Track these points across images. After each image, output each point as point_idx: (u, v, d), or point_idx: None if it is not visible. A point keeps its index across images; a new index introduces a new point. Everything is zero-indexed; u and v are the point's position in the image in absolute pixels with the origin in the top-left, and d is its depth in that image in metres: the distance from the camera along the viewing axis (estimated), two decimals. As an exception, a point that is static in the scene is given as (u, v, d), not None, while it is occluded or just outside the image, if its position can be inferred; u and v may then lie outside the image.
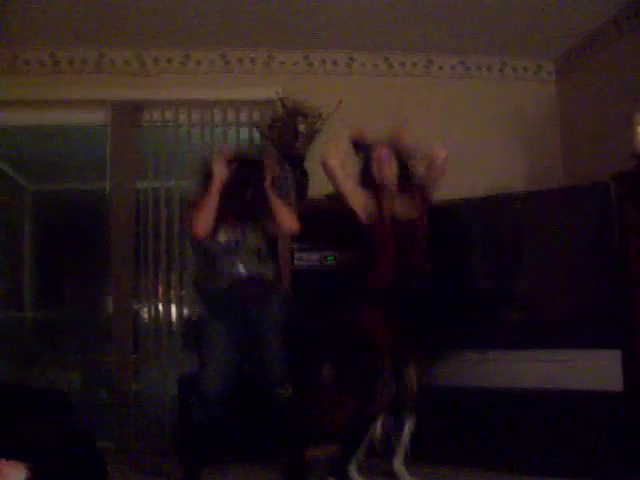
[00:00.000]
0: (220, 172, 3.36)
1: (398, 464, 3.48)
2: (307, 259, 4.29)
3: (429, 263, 3.50)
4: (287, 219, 3.48)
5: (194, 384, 3.46)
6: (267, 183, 3.46)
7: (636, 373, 3.40)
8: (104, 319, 4.66)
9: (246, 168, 3.47)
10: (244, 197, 3.44)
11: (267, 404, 3.51)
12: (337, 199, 4.18)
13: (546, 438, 3.51)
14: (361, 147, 3.59)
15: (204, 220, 3.32)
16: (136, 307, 4.66)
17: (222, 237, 3.38)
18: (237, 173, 3.41)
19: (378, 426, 3.43)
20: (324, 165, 3.51)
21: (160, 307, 4.62)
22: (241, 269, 3.36)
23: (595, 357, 3.46)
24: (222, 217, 3.36)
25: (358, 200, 3.53)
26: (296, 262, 4.25)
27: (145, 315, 4.67)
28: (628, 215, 3.52)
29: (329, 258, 4.31)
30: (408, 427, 3.47)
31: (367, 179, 3.57)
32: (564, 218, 3.73)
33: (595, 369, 3.44)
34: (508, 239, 3.86)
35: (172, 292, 4.63)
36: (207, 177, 3.42)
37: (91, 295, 4.78)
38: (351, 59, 4.94)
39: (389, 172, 3.52)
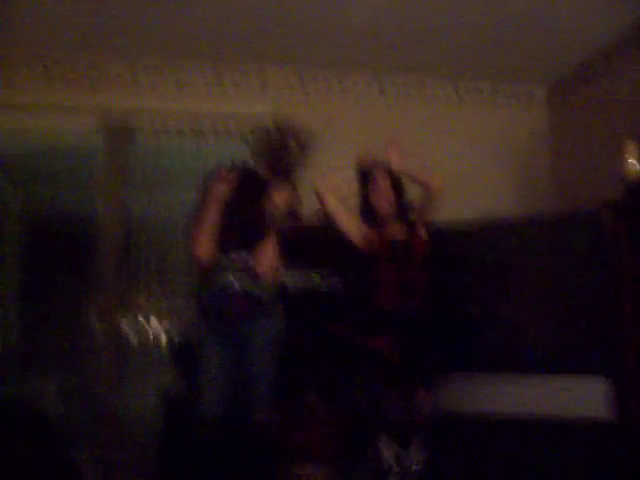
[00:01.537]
0: (217, 190, 3.26)
1: None
2: (294, 280, 4.22)
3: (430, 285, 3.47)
4: (268, 266, 3.35)
5: (193, 407, 3.33)
6: (270, 209, 3.34)
7: (625, 400, 3.40)
8: (88, 332, 4.57)
9: (249, 183, 3.36)
10: (246, 215, 3.35)
11: (242, 432, 3.33)
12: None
13: (535, 464, 3.49)
14: (365, 175, 3.56)
15: (204, 241, 3.25)
16: (120, 321, 4.59)
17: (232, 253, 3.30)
18: (240, 189, 3.31)
19: (385, 448, 3.36)
20: (320, 200, 3.51)
21: (145, 322, 4.57)
22: (235, 285, 3.26)
23: (585, 384, 3.45)
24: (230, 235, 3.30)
25: (356, 232, 3.54)
26: (281, 282, 4.17)
27: (129, 329, 4.60)
28: (618, 242, 3.52)
29: (315, 279, 4.23)
30: (417, 448, 3.36)
31: (366, 209, 3.56)
32: (555, 244, 3.74)
33: (585, 396, 3.44)
34: (499, 264, 3.86)
35: (157, 308, 4.58)
36: (206, 194, 3.32)
37: (73, 308, 4.70)
38: (343, 78, 4.95)
39: (386, 200, 3.50)
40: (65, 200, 4.86)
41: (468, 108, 5.10)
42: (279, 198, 3.38)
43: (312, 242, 4.18)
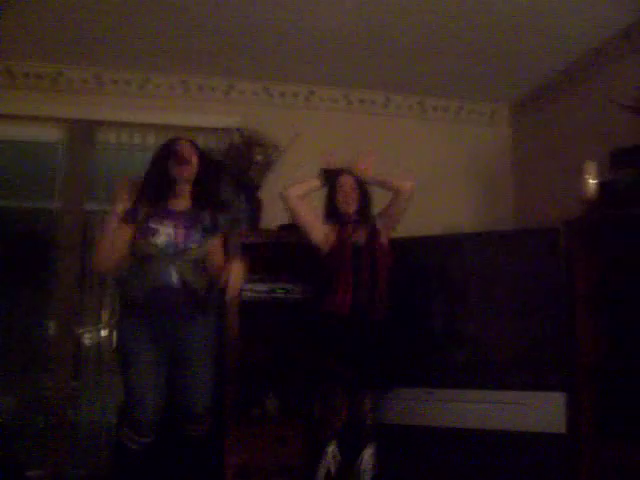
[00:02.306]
0: (119, 203, 3.00)
1: None
2: (256, 290, 4.21)
3: (388, 297, 3.48)
4: (235, 282, 3.03)
5: (123, 413, 3.14)
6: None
7: (578, 416, 3.43)
8: (44, 343, 4.50)
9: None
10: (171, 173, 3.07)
11: (180, 440, 3.19)
12: (290, 230, 4.20)
13: (490, 477, 3.51)
14: (330, 176, 3.62)
15: (102, 257, 3.00)
16: (78, 332, 4.53)
17: (160, 239, 3.03)
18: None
19: (331, 454, 3.37)
20: (283, 196, 3.55)
21: (103, 333, 4.51)
22: (173, 276, 3.02)
23: (540, 399, 3.48)
24: (163, 213, 3.08)
25: (318, 232, 3.57)
26: (244, 293, 4.16)
27: (87, 341, 4.54)
28: (576, 260, 3.58)
29: (278, 290, 4.24)
30: (367, 455, 3.39)
31: (331, 209, 3.62)
32: (513, 260, 3.78)
33: (539, 411, 3.46)
34: (457, 279, 3.89)
35: (116, 318, 4.51)
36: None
37: (32, 317, 4.62)
38: (311, 93, 4.98)
39: (350, 200, 3.56)
40: (25, 211, 4.80)
41: (433, 125, 5.15)
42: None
43: (275, 252, 4.20)
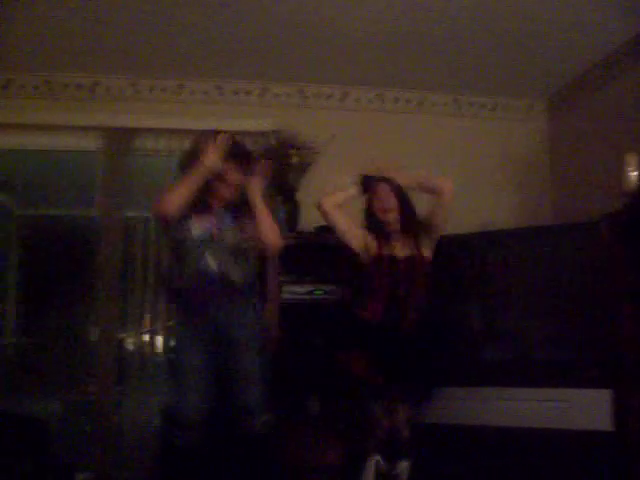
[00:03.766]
0: (210, 160, 3.01)
1: None
2: (295, 292, 4.22)
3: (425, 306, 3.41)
4: (271, 231, 3.17)
5: (172, 409, 3.13)
6: (255, 185, 3.18)
7: (626, 412, 3.37)
8: (88, 348, 4.58)
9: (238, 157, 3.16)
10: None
11: (238, 437, 3.13)
12: (327, 231, 4.20)
13: (536, 477, 3.46)
14: (367, 183, 3.53)
15: (174, 198, 2.98)
16: (121, 337, 4.60)
17: (196, 229, 3.09)
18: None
19: (373, 466, 3.28)
20: (319, 206, 3.49)
21: (146, 337, 4.57)
22: (211, 263, 3.04)
23: (586, 396, 3.42)
24: (199, 208, 3.12)
25: (357, 240, 3.50)
26: (283, 295, 4.18)
27: (130, 345, 4.60)
28: (618, 254, 3.51)
29: (317, 292, 4.25)
30: (403, 468, 3.28)
31: (370, 218, 3.53)
32: (554, 256, 3.73)
33: (585, 408, 3.41)
34: (497, 276, 3.85)
35: (158, 322, 4.58)
36: (192, 157, 3.10)
37: (75, 323, 4.71)
38: (345, 94, 4.98)
39: (387, 208, 3.47)
40: (67, 219, 4.90)
41: (469, 121, 5.12)
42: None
43: (313, 254, 4.20)
